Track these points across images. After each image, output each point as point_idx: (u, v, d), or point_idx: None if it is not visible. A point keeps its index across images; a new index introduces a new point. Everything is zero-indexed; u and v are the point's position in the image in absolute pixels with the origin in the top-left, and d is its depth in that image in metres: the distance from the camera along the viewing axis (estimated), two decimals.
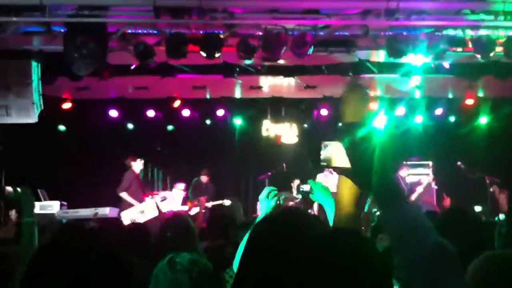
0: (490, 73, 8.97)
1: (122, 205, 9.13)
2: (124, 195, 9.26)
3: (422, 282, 1.43)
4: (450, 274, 1.42)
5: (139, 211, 8.52)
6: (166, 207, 9.33)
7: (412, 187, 10.64)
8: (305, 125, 11.62)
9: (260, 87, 10.41)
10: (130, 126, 11.41)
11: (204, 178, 10.74)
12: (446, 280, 1.42)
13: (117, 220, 8.38)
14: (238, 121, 11.64)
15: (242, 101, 11.21)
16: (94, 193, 9.99)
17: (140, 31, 6.97)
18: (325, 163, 1.69)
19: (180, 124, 11.36)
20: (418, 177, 11.06)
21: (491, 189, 8.05)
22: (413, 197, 10.02)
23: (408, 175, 10.97)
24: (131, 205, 9.01)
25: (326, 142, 1.69)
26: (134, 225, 5.32)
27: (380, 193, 1.53)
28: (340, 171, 1.68)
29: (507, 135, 11.60)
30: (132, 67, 8.10)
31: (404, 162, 11.05)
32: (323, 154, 1.69)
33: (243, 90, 10.56)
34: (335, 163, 1.67)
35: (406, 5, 6.60)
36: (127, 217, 8.32)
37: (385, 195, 1.52)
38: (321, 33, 7.08)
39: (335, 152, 1.66)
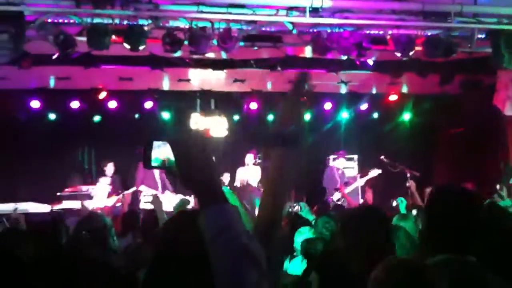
0: (411, 70, 9.29)
1: None
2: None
3: (224, 283, 1.47)
4: (252, 278, 1.45)
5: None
6: (91, 203, 9.14)
7: (349, 179, 10.88)
8: (235, 118, 11.62)
9: (188, 80, 10.32)
10: (53, 117, 10.96)
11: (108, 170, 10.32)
12: (247, 284, 1.45)
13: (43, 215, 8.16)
14: (166, 114, 11.46)
15: (171, 93, 11.06)
16: (14, 188, 9.62)
17: (60, 21, 6.71)
18: (156, 164, 1.71)
19: (107, 116, 11.05)
20: (345, 170, 11.37)
21: (408, 184, 8.31)
22: (346, 190, 10.20)
23: (344, 167, 11.24)
24: None
25: (158, 142, 1.71)
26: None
27: (201, 193, 1.57)
28: (171, 172, 1.71)
29: (428, 130, 12.12)
30: (54, 57, 7.81)
31: (337, 154, 11.31)
32: (154, 154, 1.71)
33: (172, 82, 10.44)
34: (166, 164, 1.70)
35: (330, 4, 6.72)
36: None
37: (205, 195, 1.56)
38: (248, 28, 7.08)
39: (166, 153, 1.69)
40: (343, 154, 11.42)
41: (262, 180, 10.28)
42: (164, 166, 1.72)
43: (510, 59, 7.44)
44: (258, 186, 10.50)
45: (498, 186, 8.35)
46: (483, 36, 7.57)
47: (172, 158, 1.68)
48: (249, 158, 10.62)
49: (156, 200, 5.38)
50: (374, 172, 10.44)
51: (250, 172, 10.68)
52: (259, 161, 10.78)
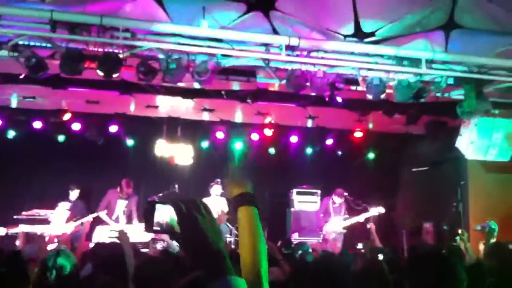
0: (379, 110, 9.46)
1: None
2: None
3: None
4: None
5: None
6: (48, 228, 8.86)
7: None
8: (201, 147, 11.54)
9: (156, 107, 10.22)
10: (12, 134, 10.62)
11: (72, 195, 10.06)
12: None
13: None
14: (131, 139, 11.29)
15: (137, 119, 10.90)
16: None
17: (33, 43, 6.55)
18: (158, 228, 1.68)
19: (70, 138, 10.78)
20: (307, 204, 11.40)
21: (368, 226, 8.38)
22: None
23: (306, 202, 11.22)
24: None
25: (159, 205, 1.68)
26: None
27: (205, 262, 1.57)
28: (175, 237, 1.69)
29: (392, 168, 12.32)
30: (21, 77, 7.61)
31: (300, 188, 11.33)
32: (157, 217, 1.68)
33: (139, 108, 10.31)
34: (168, 228, 1.67)
35: (306, 43, 6.80)
36: None
37: (210, 265, 1.55)
38: (223, 62, 7.08)
39: (167, 216, 1.67)
40: (307, 188, 11.47)
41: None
42: (166, 230, 1.67)
43: (476, 107, 7.69)
44: (221, 217, 10.41)
45: (460, 231, 8.53)
46: (451, 82, 7.79)
47: (174, 221, 1.63)
48: (216, 189, 10.51)
49: (123, 235, 5.23)
50: (375, 211, 10.17)
51: (214, 203, 10.56)
52: (224, 192, 10.67)
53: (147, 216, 1.67)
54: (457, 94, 8.13)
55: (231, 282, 1.55)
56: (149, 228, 1.67)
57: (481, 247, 7.50)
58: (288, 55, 6.87)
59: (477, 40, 7.00)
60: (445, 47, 7.12)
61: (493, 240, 7.23)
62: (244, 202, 2.01)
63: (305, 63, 7.20)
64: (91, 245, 8.06)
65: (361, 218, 10.13)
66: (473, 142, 9.20)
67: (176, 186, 10.57)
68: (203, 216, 1.62)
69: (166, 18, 6.49)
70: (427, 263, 2.49)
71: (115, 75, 6.64)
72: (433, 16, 6.54)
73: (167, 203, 1.68)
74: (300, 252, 6.14)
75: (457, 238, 8.59)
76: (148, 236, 8.65)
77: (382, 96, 7.51)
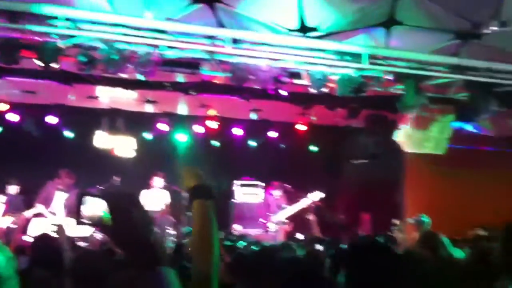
0: (321, 103, 9.61)
1: None
2: None
3: None
4: None
5: None
6: None
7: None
8: (143, 139, 11.37)
9: (97, 97, 9.98)
10: None
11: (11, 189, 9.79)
12: None
13: None
14: (70, 131, 10.99)
15: (77, 110, 10.61)
16: None
17: None
18: (87, 221, 1.68)
19: (6, 129, 10.39)
20: (250, 196, 11.44)
21: (309, 217, 8.54)
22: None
23: (247, 193, 11.25)
24: None
25: (91, 198, 1.67)
26: None
27: (137, 255, 1.61)
28: (104, 229, 1.69)
29: (333, 160, 12.55)
30: None
31: (239, 182, 11.35)
32: (85, 210, 1.67)
33: (79, 99, 10.03)
34: (98, 222, 1.68)
35: (251, 36, 6.82)
36: None
37: (141, 257, 1.60)
38: (167, 53, 7.00)
39: (97, 210, 1.66)
40: (249, 180, 11.52)
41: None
42: (97, 223, 1.66)
43: (415, 102, 7.94)
44: (164, 210, 10.32)
45: (396, 221, 8.84)
46: (391, 77, 8.00)
47: (105, 215, 1.62)
48: (157, 181, 10.39)
49: (60, 229, 5.11)
50: (314, 196, 10.26)
51: (155, 196, 10.45)
52: (167, 184, 10.58)
53: (75, 209, 1.66)
54: (397, 89, 8.35)
55: (162, 273, 1.58)
56: (77, 220, 1.65)
57: (415, 236, 7.80)
58: (233, 48, 6.86)
59: (416, 37, 7.21)
60: (386, 43, 7.29)
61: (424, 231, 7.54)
62: (198, 195, 2.00)
63: (249, 56, 7.21)
64: (27, 238, 7.84)
65: (301, 205, 10.30)
66: (411, 135, 9.53)
67: (117, 178, 10.38)
68: (136, 210, 1.63)
69: (109, 8, 6.34)
70: (364, 253, 2.54)
71: (54, 65, 6.44)
72: (375, 12, 6.68)
73: (99, 197, 1.67)
74: (241, 244, 6.19)
75: (394, 228, 8.93)
76: (89, 230, 8.47)
77: (325, 90, 7.64)
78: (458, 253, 6.48)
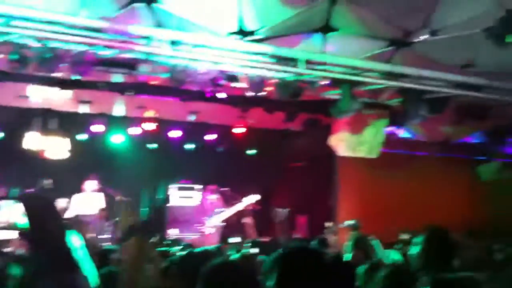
0: (260, 106, 9.69)
1: None
2: None
3: None
4: None
5: None
6: None
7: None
8: (77, 140, 11.08)
9: (29, 97, 9.63)
10: None
11: None
12: None
13: None
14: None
15: (7, 110, 10.21)
16: None
17: None
18: (6, 227, 1.73)
19: None
20: (187, 199, 11.38)
21: (245, 220, 8.61)
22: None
23: (184, 197, 11.15)
24: None
25: (2, 202, 1.71)
26: None
27: (53, 259, 1.66)
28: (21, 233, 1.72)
29: (271, 163, 12.66)
30: None
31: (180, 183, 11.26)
32: (4, 214, 1.72)
33: (10, 98, 9.67)
34: (14, 227, 1.73)
35: (189, 38, 6.79)
36: None
37: (57, 261, 1.59)
38: (103, 53, 6.85)
39: (13, 214, 1.71)
40: (187, 183, 11.47)
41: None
42: (13, 227, 1.66)
43: (349, 107, 8.14)
44: (98, 213, 10.10)
45: (329, 224, 9.04)
46: (327, 82, 8.16)
47: (22, 219, 1.61)
48: (89, 184, 10.14)
49: None
50: (250, 199, 10.29)
51: (89, 199, 10.21)
52: (102, 187, 10.35)
53: None
54: (332, 94, 8.53)
55: (76, 276, 1.61)
56: None
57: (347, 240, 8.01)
58: (171, 49, 6.80)
59: (351, 43, 7.39)
60: (322, 48, 7.43)
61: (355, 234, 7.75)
62: (133, 233, 2.11)
63: (188, 58, 7.17)
64: None
65: (237, 208, 10.33)
66: (345, 139, 9.75)
67: (47, 181, 10.07)
68: (51, 216, 1.63)
69: (43, 4, 6.14)
70: (293, 258, 2.57)
71: None
72: (312, 19, 6.79)
73: (18, 200, 1.66)
74: (175, 249, 6.14)
75: (327, 231, 9.12)
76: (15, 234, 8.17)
77: (262, 93, 7.70)
78: (393, 255, 6.69)
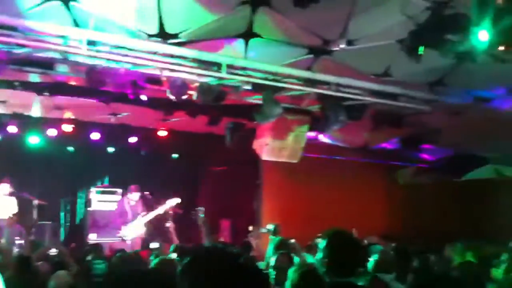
0: (182, 110, 9.62)
1: None
2: None
3: None
4: None
5: None
6: None
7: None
8: None
9: None
10: None
11: None
12: None
13: None
14: None
15: None
16: None
17: None
18: None
19: None
20: (107, 203, 11.10)
21: (168, 224, 8.54)
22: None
23: (105, 201, 10.87)
24: None
25: None
26: None
27: None
28: None
29: (194, 167, 12.61)
30: None
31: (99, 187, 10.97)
32: None
33: None
34: None
35: (108, 39, 6.65)
36: None
37: None
38: (18, 52, 6.58)
39: None
40: (107, 186, 11.21)
41: None
42: None
43: (271, 112, 8.24)
44: (11, 218, 9.66)
45: (251, 228, 9.11)
46: (250, 87, 8.22)
47: None
48: (3, 187, 9.69)
49: None
50: (172, 202, 10.14)
51: (0, 203, 9.76)
52: (15, 191, 9.91)
53: None
54: (255, 98, 8.60)
55: None
56: None
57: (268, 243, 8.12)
58: (89, 49, 6.63)
59: (273, 50, 7.49)
60: (244, 54, 7.48)
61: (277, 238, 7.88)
62: None
63: (107, 59, 7.02)
64: None
65: (158, 211, 10.21)
66: (268, 144, 9.86)
67: None
68: None
69: None
70: (205, 262, 2.56)
71: None
72: (234, 24, 6.83)
73: None
74: (92, 254, 6.00)
75: (250, 235, 9.19)
76: None
77: (185, 97, 7.66)
78: (309, 259, 6.82)
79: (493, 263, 5.73)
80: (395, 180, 14.51)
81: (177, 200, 10.14)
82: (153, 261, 5.31)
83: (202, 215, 10.30)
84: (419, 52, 6.08)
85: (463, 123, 10.18)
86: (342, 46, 6.98)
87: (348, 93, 8.47)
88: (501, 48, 5.41)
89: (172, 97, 7.67)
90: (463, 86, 8.62)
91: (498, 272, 5.24)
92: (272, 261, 5.43)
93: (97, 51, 6.72)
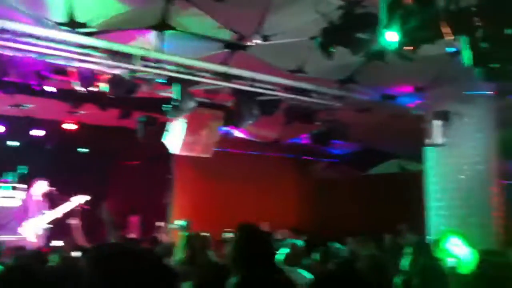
0: (92, 102, 9.29)
1: None
2: None
3: None
4: None
5: None
6: None
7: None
8: None
9: None
10: None
11: None
12: None
13: None
14: None
15: None
16: None
17: None
18: None
19: None
20: (6, 199, 10.53)
21: (71, 222, 8.26)
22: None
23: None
24: None
25: None
26: None
27: None
28: None
29: (105, 161, 12.23)
30: None
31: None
32: None
33: None
34: None
35: (12, 26, 6.28)
36: None
37: None
38: None
39: None
40: (8, 182, 10.65)
41: None
42: None
43: (185, 106, 8.14)
44: None
45: (161, 224, 8.99)
46: (163, 80, 8.07)
47: None
48: None
49: None
50: (78, 200, 9.74)
51: None
52: None
53: None
54: (168, 92, 8.46)
55: None
56: None
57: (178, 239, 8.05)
58: None
59: (188, 43, 7.39)
60: (158, 46, 7.32)
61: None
62: None
63: (11, 48, 6.62)
64: None
65: (64, 209, 9.83)
66: (182, 138, 9.74)
67: None
68: None
69: None
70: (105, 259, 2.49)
71: None
72: (148, 15, 6.67)
73: None
74: None
75: (160, 231, 9.07)
76: None
77: (92, 88, 7.40)
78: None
79: (398, 255, 5.98)
80: (306, 175, 14.86)
81: (85, 198, 9.81)
82: (53, 259, 5.11)
83: (106, 212, 10.05)
84: (331, 50, 6.22)
85: (371, 120, 10.59)
86: (257, 41, 7.02)
87: (262, 88, 8.54)
88: (408, 48, 5.66)
89: (81, 89, 7.37)
90: (372, 83, 8.96)
91: (405, 264, 5.48)
92: (182, 256, 5.40)
93: (1, 39, 6.32)
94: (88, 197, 9.79)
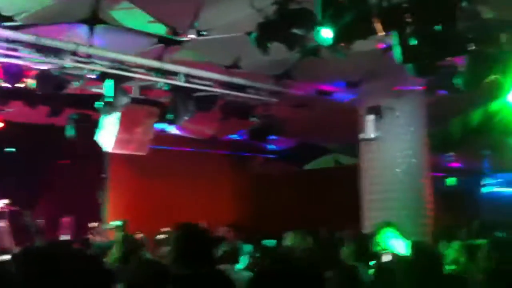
0: (20, 99, 8.90)
1: None
2: None
3: None
4: None
5: None
6: None
7: None
8: None
9: None
10: None
11: None
12: None
13: None
14: None
15: None
16: None
17: None
18: None
19: None
20: None
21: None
22: None
23: None
24: None
25: None
26: None
27: None
28: None
29: (35, 161, 11.76)
30: None
31: None
32: None
33: None
34: None
35: None
36: None
37: None
38: None
39: None
40: None
41: None
42: None
43: (118, 102, 7.93)
44: None
45: (95, 224, 8.75)
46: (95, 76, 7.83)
47: None
48: None
49: None
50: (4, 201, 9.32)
51: None
52: None
53: None
54: (100, 88, 8.22)
55: None
56: None
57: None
58: None
59: (121, 37, 7.21)
60: (89, 41, 7.09)
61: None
62: None
63: None
64: None
65: None
66: (115, 136, 9.47)
67: None
68: None
69: None
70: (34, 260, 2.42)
71: None
72: (77, 8, 6.45)
73: None
74: None
75: (93, 232, 8.83)
76: None
77: (19, 84, 7.09)
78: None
79: (334, 248, 6.06)
80: (243, 171, 14.87)
81: (5, 201, 9.42)
82: None
83: (28, 216, 9.71)
84: (267, 45, 6.22)
85: (307, 115, 10.71)
86: (192, 36, 6.93)
87: (198, 84, 8.45)
88: (342, 44, 5.74)
89: (7, 85, 7.05)
90: (307, 79, 9.04)
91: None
92: (116, 256, 5.31)
93: None
94: (6, 201, 9.40)
